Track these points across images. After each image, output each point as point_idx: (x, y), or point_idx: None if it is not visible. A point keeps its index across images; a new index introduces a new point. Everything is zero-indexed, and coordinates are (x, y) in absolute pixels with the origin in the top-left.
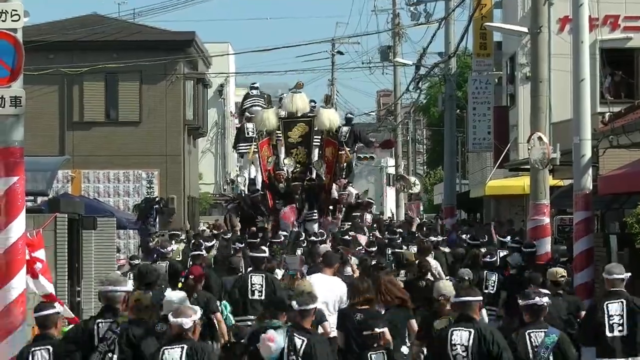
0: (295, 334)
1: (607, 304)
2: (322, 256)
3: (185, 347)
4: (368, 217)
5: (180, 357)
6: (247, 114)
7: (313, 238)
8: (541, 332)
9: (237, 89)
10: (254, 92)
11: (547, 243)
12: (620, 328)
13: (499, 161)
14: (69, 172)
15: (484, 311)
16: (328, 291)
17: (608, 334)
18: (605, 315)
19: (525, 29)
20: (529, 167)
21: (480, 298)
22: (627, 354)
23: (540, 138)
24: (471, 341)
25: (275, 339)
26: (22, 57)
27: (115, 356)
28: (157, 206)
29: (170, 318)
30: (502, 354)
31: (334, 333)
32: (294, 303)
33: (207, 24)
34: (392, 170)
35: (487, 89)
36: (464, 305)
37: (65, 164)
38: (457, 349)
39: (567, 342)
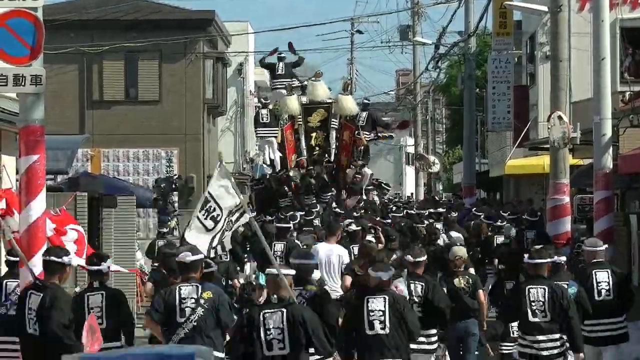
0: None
1: (595, 272)
2: (327, 226)
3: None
4: (376, 199)
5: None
6: (262, 100)
7: (337, 210)
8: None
9: (256, 67)
10: (281, 65)
11: (567, 222)
12: (608, 294)
13: (519, 140)
14: (89, 151)
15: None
16: (331, 256)
17: (597, 297)
18: (594, 282)
19: (545, 8)
20: (548, 146)
21: (549, 260)
22: (612, 316)
23: (560, 117)
24: (547, 296)
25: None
26: (43, 36)
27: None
28: (174, 185)
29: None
30: (570, 306)
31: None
32: None
33: (227, 3)
34: (411, 150)
35: (507, 68)
36: (536, 266)
37: (85, 142)
38: (535, 304)
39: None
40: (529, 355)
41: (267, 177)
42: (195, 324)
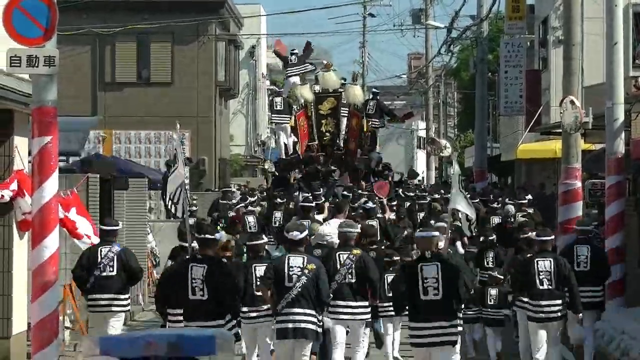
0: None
1: (577, 247)
2: (335, 205)
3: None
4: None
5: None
6: (275, 87)
7: (345, 192)
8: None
9: (268, 50)
10: (293, 57)
11: (578, 207)
12: (585, 265)
13: (531, 125)
14: (101, 133)
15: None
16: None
17: (576, 268)
18: (575, 255)
19: None
20: (560, 130)
21: (553, 237)
22: (590, 284)
23: (572, 102)
24: (553, 267)
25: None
26: (56, 17)
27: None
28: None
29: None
30: (570, 274)
31: None
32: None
33: None
34: (422, 134)
35: (520, 52)
36: (543, 242)
37: (97, 124)
38: (542, 274)
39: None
40: (537, 319)
41: (280, 160)
42: (300, 289)
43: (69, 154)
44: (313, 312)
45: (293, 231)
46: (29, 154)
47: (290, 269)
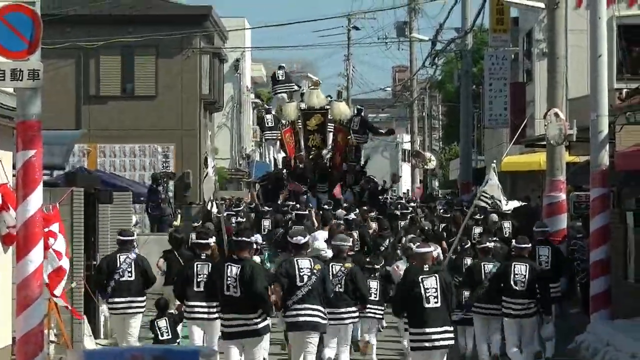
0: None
1: (538, 248)
2: (321, 218)
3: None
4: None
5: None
6: (259, 101)
7: (325, 206)
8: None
9: (253, 63)
10: (280, 72)
11: (563, 219)
12: (547, 264)
13: (515, 137)
14: (85, 146)
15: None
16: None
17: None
18: (537, 255)
19: (542, 4)
20: (545, 143)
21: (529, 245)
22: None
23: (557, 114)
24: (527, 272)
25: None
26: (40, 30)
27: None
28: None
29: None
30: (543, 276)
31: None
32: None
33: None
34: (407, 146)
35: (504, 65)
36: (521, 249)
37: (82, 138)
38: (517, 277)
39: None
40: (513, 315)
41: (269, 174)
42: (310, 287)
43: (53, 167)
44: (321, 307)
45: (297, 236)
46: (14, 167)
47: (301, 270)
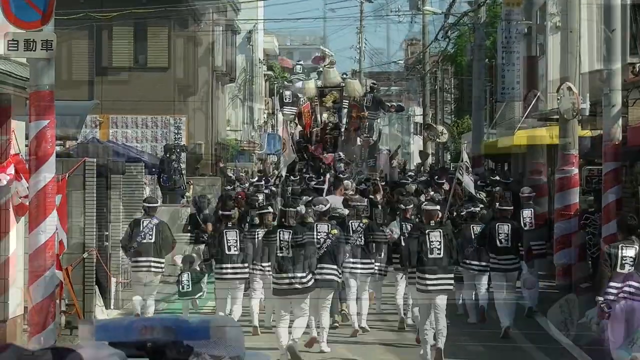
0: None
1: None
2: (332, 183)
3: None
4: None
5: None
6: (271, 73)
7: (340, 175)
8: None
9: (265, 35)
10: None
11: (575, 193)
12: (506, 240)
13: (528, 111)
14: (97, 117)
15: None
16: (336, 204)
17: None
18: (496, 232)
19: None
20: (557, 117)
21: (511, 207)
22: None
23: (569, 88)
24: (510, 230)
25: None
26: (54, 1)
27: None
28: (183, 151)
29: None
30: (522, 234)
31: None
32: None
33: None
34: (419, 119)
35: (517, 39)
36: (503, 211)
37: (94, 108)
38: (501, 235)
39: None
40: (498, 269)
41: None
42: (326, 249)
43: (65, 138)
44: (335, 267)
45: (319, 204)
46: (27, 137)
47: (318, 234)
